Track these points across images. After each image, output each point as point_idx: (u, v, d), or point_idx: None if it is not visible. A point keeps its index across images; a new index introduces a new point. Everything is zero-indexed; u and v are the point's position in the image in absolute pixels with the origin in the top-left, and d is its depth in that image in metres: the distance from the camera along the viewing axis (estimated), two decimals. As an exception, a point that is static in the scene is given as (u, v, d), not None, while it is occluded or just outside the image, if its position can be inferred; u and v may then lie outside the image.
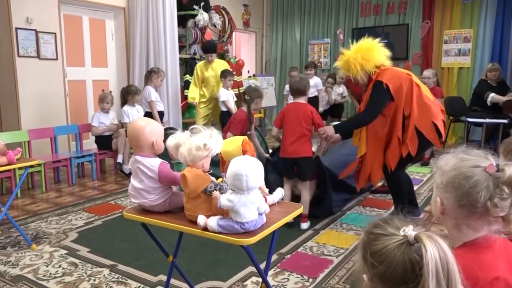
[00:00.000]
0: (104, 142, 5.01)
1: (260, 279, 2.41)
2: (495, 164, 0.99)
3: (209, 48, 5.62)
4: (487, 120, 5.38)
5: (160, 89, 5.51)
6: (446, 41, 7.29)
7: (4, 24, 4.85)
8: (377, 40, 3.09)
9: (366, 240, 0.83)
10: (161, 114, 5.21)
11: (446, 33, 7.28)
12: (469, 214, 1.01)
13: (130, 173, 4.77)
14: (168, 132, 1.79)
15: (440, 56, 7.37)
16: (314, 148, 6.52)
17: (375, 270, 0.78)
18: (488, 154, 1.03)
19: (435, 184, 1.09)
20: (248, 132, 3.72)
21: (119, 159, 4.98)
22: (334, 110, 6.78)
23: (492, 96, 5.58)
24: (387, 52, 3.07)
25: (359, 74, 3.04)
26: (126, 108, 5.05)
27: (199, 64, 5.76)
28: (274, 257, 2.70)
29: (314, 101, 6.44)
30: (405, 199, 3.31)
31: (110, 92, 5.32)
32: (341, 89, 6.81)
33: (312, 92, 6.42)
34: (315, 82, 6.35)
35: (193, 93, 5.64)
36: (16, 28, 4.84)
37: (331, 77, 6.81)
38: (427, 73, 5.45)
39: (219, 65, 5.71)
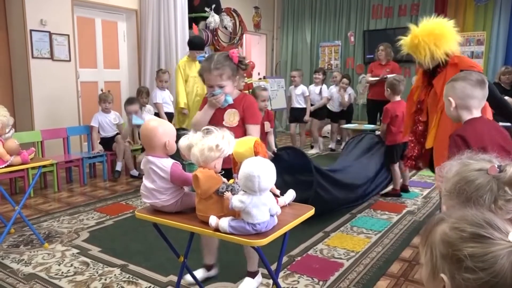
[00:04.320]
0: (107, 143, 5.07)
1: (270, 281, 2.41)
2: (497, 166, 0.95)
3: (197, 44, 4.96)
4: (500, 124, 5.29)
5: (172, 90, 5.52)
6: (459, 44, 7.20)
7: (19, 26, 4.92)
8: (449, 22, 2.84)
9: (455, 237, 0.72)
10: (170, 115, 5.21)
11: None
12: None
13: (140, 175, 4.82)
14: (180, 133, 1.80)
15: (452, 58, 7.29)
16: (315, 150, 6.50)
17: (471, 275, 0.68)
18: (493, 157, 0.99)
19: (441, 193, 1.06)
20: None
21: (118, 167, 4.95)
22: (345, 113, 6.76)
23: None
24: (459, 38, 2.84)
25: (426, 60, 2.74)
26: None
27: (182, 61, 5.02)
28: (284, 259, 2.69)
29: (323, 111, 6.45)
30: None
31: (109, 91, 5.34)
32: (350, 89, 6.80)
33: (317, 100, 6.43)
34: (321, 90, 6.41)
35: (184, 97, 4.89)
36: (31, 30, 4.91)
37: (346, 77, 6.80)
38: None
39: None
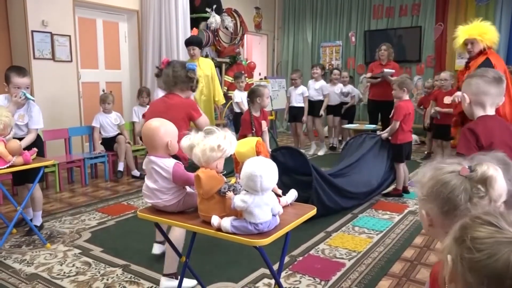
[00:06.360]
0: (108, 144, 5.07)
1: (272, 281, 2.41)
2: (467, 167, 1.03)
3: (192, 41, 5.01)
4: None
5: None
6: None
7: (20, 27, 4.94)
8: (492, 26, 3.78)
9: (468, 223, 0.78)
10: None
11: (459, 35, 7.20)
12: (454, 219, 1.00)
13: (142, 175, 4.83)
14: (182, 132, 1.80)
15: (454, 58, 7.29)
16: (322, 152, 6.47)
17: (468, 255, 0.73)
18: (463, 160, 1.06)
19: (418, 198, 1.12)
20: (253, 131, 3.74)
21: (120, 167, 4.97)
22: (346, 113, 6.75)
23: (507, 99, 5.50)
24: (496, 39, 3.77)
25: (460, 47, 3.80)
26: (136, 107, 5.29)
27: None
28: (285, 259, 2.69)
29: (319, 105, 6.44)
30: None
31: (111, 92, 5.35)
32: (348, 88, 6.76)
33: (316, 95, 6.41)
34: (321, 86, 6.38)
35: None
36: (32, 31, 4.92)
37: (337, 69, 6.88)
38: (445, 75, 5.32)
39: (206, 64, 5.21)
